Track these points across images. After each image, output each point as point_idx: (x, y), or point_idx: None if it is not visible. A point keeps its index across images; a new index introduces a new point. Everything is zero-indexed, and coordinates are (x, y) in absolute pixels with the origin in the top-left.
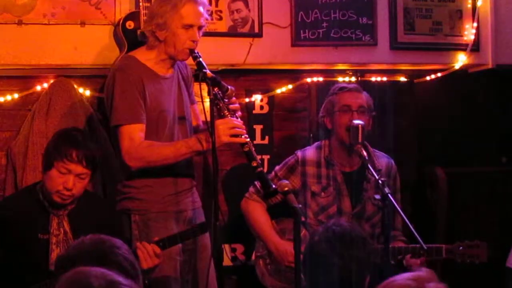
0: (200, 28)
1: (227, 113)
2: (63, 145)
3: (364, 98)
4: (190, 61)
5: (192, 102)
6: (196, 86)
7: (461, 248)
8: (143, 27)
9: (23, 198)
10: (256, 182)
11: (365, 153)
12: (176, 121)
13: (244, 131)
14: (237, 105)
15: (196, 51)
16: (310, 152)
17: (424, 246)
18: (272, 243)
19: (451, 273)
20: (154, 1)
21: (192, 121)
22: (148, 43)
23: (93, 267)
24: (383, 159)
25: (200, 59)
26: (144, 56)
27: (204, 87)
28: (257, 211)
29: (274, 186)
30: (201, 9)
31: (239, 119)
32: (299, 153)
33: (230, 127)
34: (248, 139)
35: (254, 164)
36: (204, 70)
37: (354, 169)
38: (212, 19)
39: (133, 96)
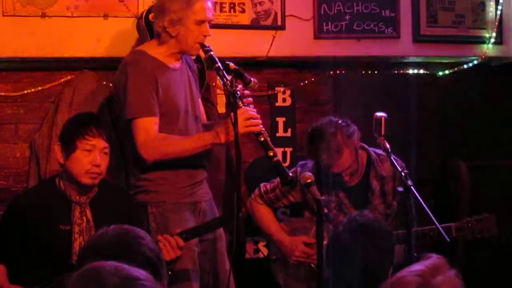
0: (210, 22)
1: (241, 104)
2: (80, 124)
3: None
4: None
5: (198, 96)
6: (217, 79)
7: (469, 224)
8: (154, 23)
9: (42, 191)
10: (261, 185)
11: (388, 146)
12: (188, 112)
13: (260, 121)
14: (250, 98)
15: (207, 45)
16: (310, 167)
17: (442, 230)
18: (278, 240)
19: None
20: None
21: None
22: (160, 39)
23: (106, 262)
24: (387, 163)
25: (211, 52)
26: (154, 50)
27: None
28: (262, 212)
29: (291, 175)
30: (209, 4)
31: (254, 110)
32: (299, 169)
33: (245, 118)
34: (263, 129)
35: (271, 153)
36: (227, 62)
37: (355, 183)
38: (215, 11)
39: (146, 89)
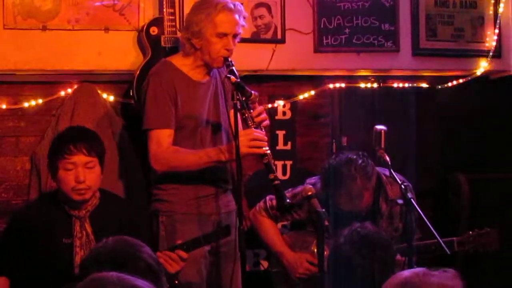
0: (235, 36)
1: (251, 124)
2: (59, 145)
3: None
4: None
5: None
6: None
7: (471, 238)
8: (180, 35)
9: (44, 204)
10: (267, 198)
11: (387, 158)
12: (209, 127)
13: (265, 143)
14: (264, 115)
15: (229, 60)
16: (319, 188)
17: (442, 243)
18: (282, 256)
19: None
20: (191, 9)
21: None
22: (184, 50)
23: (109, 273)
24: (395, 186)
25: (233, 67)
26: (181, 61)
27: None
28: (266, 225)
29: (289, 200)
30: (236, 17)
31: (263, 130)
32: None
33: (250, 139)
34: (268, 151)
35: (272, 176)
36: (228, 75)
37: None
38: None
39: (163, 101)
